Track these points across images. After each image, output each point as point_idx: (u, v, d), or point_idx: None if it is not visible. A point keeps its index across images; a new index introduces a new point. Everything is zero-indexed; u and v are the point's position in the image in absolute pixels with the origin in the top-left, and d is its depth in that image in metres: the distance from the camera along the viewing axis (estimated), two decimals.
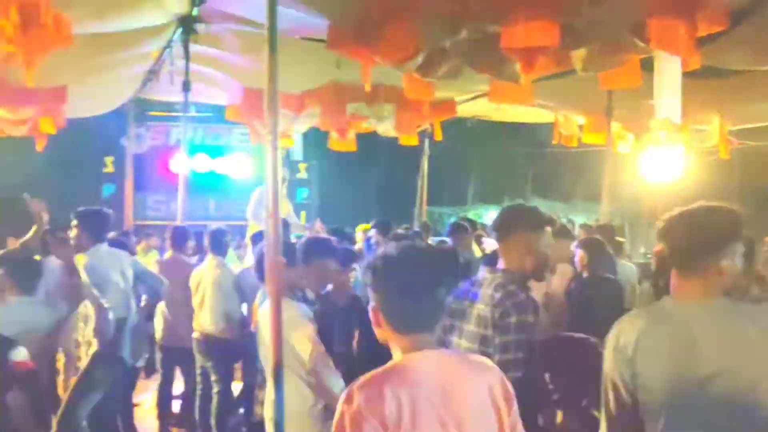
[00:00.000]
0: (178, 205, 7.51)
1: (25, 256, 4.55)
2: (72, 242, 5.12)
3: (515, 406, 1.93)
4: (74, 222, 5.09)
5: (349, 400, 1.78)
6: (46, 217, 5.04)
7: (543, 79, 5.56)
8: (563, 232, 5.72)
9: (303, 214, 13.01)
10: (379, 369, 1.86)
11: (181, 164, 8.18)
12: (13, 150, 9.61)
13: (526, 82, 4.73)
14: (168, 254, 6.54)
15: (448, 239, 7.26)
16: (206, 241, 6.16)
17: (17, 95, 6.47)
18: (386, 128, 8.61)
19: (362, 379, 1.82)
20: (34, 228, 5.00)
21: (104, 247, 5.17)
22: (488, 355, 2.57)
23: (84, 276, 4.69)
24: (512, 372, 2.55)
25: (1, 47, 3.94)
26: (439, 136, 8.90)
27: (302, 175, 13.68)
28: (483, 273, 2.99)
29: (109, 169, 12.79)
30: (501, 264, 2.96)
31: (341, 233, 7.11)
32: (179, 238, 6.45)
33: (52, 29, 3.95)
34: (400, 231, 7.10)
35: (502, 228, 3.02)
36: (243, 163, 13.07)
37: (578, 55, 4.57)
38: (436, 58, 4.85)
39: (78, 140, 11.19)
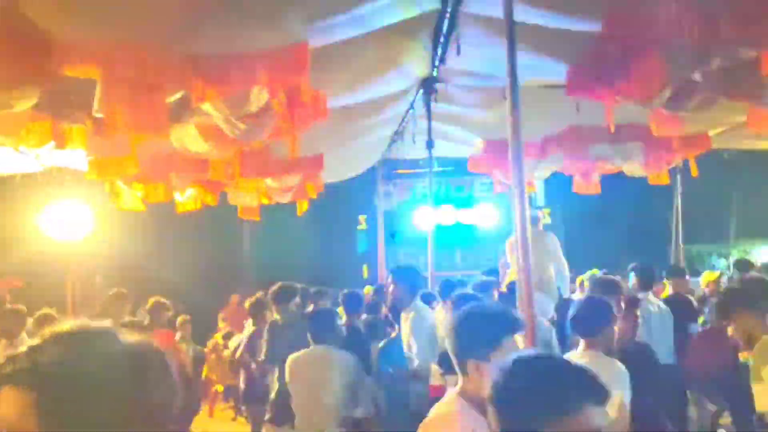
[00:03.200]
0: (428, 257, 7.74)
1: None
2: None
3: None
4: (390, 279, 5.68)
5: None
6: None
7: None
8: None
9: None
10: None
11: (427, 218, 8.48)
12: (280, 215, 10.62)
13: None
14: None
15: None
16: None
17: (281, 166, 7.16)
18: (633, 168, 8.22)
19: None
20: None
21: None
22: None
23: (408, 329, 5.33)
24: None
25: (272, 125, 4.42)
26: (694, 172, 8.27)
27: (546, 220, 13.47)
28: None
29: (363, 226, 13.61)
30: None
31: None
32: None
33: (311, 106, 4.36)
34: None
35: None
36: (487, 213, 13.18)
37: None
38: (685, 91, 4.57)
39: (334, 201, 12.09)
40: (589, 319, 3.83)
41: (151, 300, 7.53)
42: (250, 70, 3.62)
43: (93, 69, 3.38)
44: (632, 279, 6.79)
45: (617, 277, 6.49)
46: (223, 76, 3.54)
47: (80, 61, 3.34)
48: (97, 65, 3.33)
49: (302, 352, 5.20)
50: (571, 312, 4.02)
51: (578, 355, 3.69)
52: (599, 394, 1.53)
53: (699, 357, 6.20)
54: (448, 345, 2.55)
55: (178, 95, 3.87)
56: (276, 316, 6.45)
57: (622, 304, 4.97)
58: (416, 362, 5.28)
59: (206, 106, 4.02)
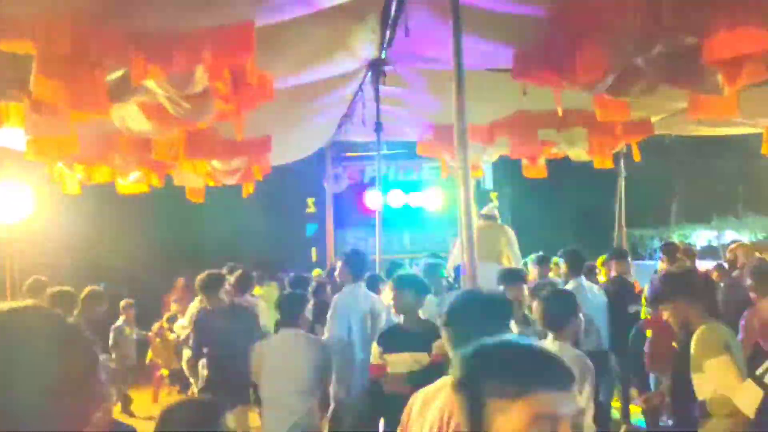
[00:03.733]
0: (376, 240, 7.76)
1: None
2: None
3: None
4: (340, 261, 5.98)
5: None
6: None
7: (750, 88, 5.13)
8: None
9: None
10: None
11: (376, 201, 8.50)
12: (227, 197, 10.49)
13: (730, 94, 4.40)
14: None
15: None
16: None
17: (228, 147, 7.06)
18: (578, 153, 8.37)
19: None
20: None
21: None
22: None
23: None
24: None
25: (217, 106, 4.35)
26: (637, 157, 8.48)
27: (494, 204, 13.63)
28: None
29: (311, 209, 13.57)
30: None
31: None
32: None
33: (257, 87, 4.29)
34: None
35: None
36: (435, 196, 13.26)
37: None
38: (628, 77, 4.65)
39: (283, 184, 12.00)
40: (557, 312, 3.96)
41: (86, 290, 7.14)
42: (194, 48, 3.55)
43: (28, 44, 3.26)
44: (562, 265, 6.93)
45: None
46: (165, 54, 3.46)
47: (15, 35, 3.22)
48: (32, 40, 3.22)
49: (274, 336, 5.27)
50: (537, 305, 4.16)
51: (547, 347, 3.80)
52: (560, 379, 1.47)
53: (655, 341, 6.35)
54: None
55: (118, 73, 3.78)
56: (205, 304, 6.40)
57: (526, 293, 5.09)
58: (325, 335, 5.61)
59: (150, 84, 3.93)
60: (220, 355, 5.88)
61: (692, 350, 3.93)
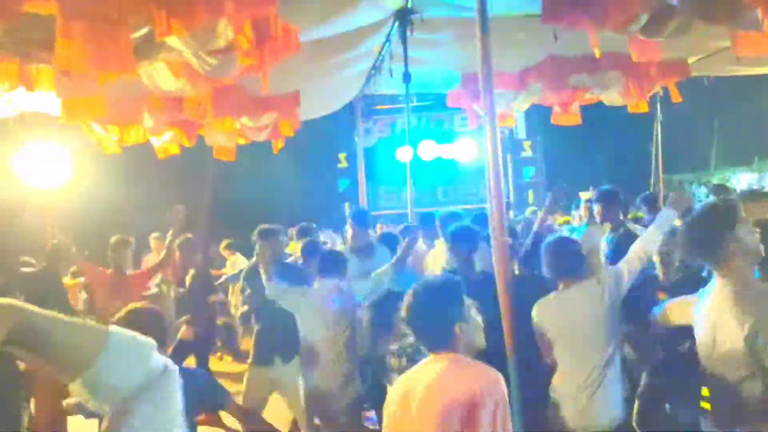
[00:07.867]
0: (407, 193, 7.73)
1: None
2: None
3: None
4: None
5: None
6: None
7: None
8: None
9: (530, 192, 12.78)
10: None
11: (407, 153, 8.41)
12: (257, 155, 10.50)
13: None
14: None
15: None
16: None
17: (256, 104, 7.04)
18: (612, 97, 8.18)
19: None
20: None
21: None
22: None
23: None
24: None
25: (240, 60, 4.31)
26: (676, 98, 8.22)
27: (527, 153, 13.44)
28: None
29: (343, 164, 13.52)
30: None
31: None
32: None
33: (282, 40, 4.24)
34: None
35: None
36: (467, 147, 13.10)
37: None
38: (662, 16, 4.51)
39: (313, 140, 11.97)
40: (563, 261, 3.87)
41: (114, 238, 7.06)
42: (216, 1, 3.51)
43: (52, 4, 3.26)
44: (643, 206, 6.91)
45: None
46: (187, 8, 3.42)
47: None
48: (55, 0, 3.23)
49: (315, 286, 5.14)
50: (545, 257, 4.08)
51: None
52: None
53: None
54: None
55: (143, 31, 3.77)
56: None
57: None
58: None
59: (174, 42, 3.92)
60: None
61: None
